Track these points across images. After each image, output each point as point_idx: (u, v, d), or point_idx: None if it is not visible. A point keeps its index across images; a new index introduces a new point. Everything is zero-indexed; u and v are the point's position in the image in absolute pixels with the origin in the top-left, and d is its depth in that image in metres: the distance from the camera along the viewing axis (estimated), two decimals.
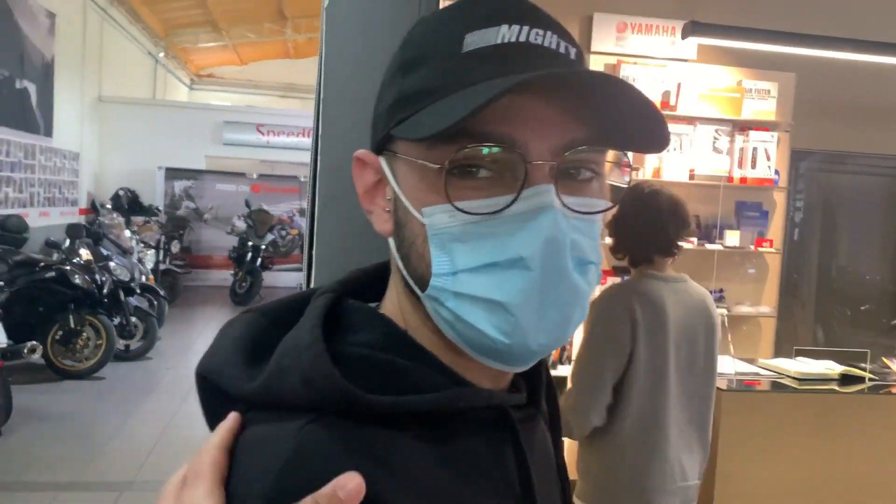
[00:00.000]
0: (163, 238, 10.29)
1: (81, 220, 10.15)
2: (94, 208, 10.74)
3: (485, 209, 0.57)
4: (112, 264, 7.25)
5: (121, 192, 11.19)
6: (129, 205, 11.00)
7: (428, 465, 0.59)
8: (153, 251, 9.70)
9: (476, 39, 0.58)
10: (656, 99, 4.19)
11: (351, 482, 0.51)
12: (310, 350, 0.59)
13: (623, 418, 2.18)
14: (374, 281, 0.72)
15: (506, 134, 0.57)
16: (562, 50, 0.60)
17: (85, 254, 6.94)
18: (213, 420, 0.63)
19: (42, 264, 6.31)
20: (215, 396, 0.64)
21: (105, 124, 12.00)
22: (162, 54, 15.00)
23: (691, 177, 4.35)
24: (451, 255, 0.59)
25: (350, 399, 0.57)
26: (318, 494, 0.51)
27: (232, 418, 0.60)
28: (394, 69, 0.63)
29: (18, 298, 6.15)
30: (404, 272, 0.63)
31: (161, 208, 11.91)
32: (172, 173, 12.38)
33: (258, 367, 0.62)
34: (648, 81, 4.21)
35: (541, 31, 0.59)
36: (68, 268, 6.38)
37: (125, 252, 8.13)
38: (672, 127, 3.82)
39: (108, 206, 10.17)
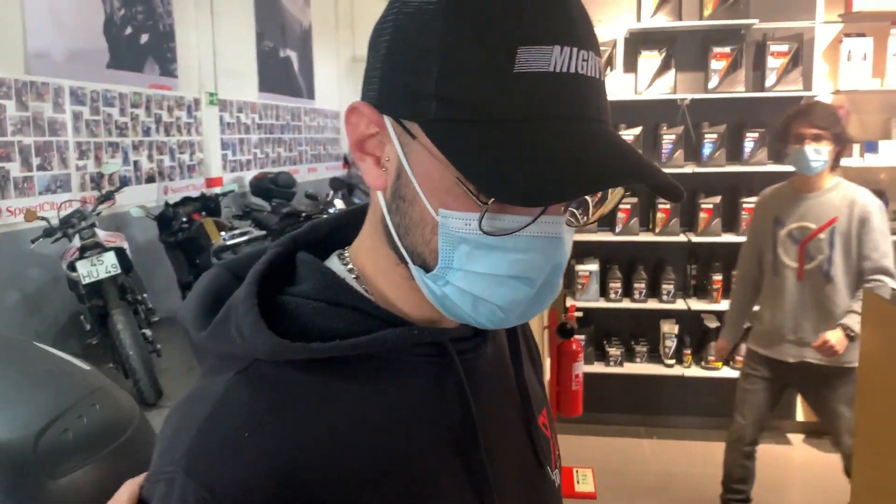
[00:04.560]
0: None
1: (343, 173, 10.83)
2: (346, 161, 11.42)
3: (501, 230, 0.58)
4: None
5: None
6: None
7: (358, 409, 0.62)
8: None
9: (528, 58, 0.55)
10: None
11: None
12: (245, 302, 0.63)
13: None
14: (335, 229, 0.75)
15: None
16: (597, 75, 0.58)
17: (339, 203, 7.54)
18: (199, 359, 0.69)
19: (304, 214, 6.72)
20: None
21: (360, 83, 12.43)
22: None
23: None
24: (458, 254, 0.59)
25: (275, 347, 0.60)
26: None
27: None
28: (431, 35, 0.57)
29: None
30: (396, 239, 0.63)
31: None
32: None
33: (210, 317, 0.66)
34: None
35: (585, 55, 0.57)
36: (325, 216, 6.85)
37: None
38: None
39: None
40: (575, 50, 0.56)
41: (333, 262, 0.70)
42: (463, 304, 0.61)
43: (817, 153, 2.82)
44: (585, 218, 0.66)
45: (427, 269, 0.61)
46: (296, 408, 0.60)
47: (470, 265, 0.59)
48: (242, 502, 0.55)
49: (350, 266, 0.69)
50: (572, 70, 0.56)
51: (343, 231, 0.74)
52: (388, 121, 0.61)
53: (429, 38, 0.57)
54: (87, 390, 1.67)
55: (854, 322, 2.82)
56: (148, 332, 4.93)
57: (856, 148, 4.03)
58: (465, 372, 0.67)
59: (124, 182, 6.31)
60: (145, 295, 5.26)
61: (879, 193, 4.16)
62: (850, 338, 2.83)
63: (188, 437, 0.58)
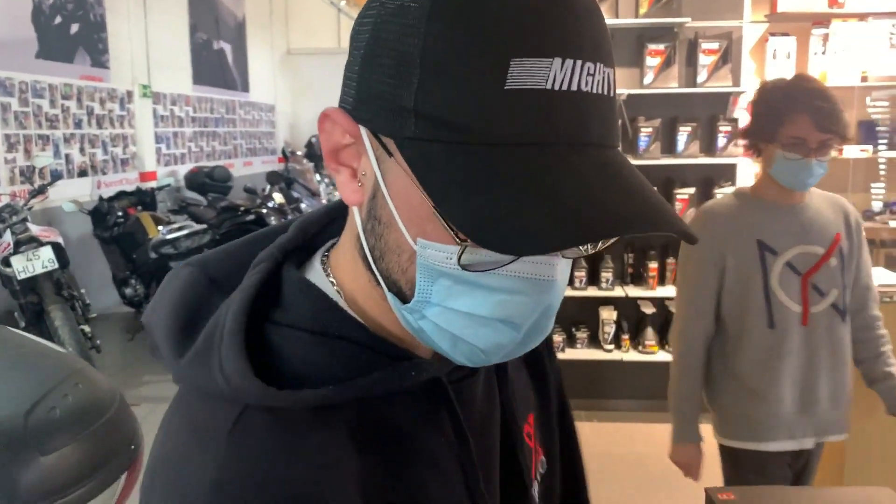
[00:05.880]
0: None
1: (280, 167, 10.56)
2: (284, 155, 11.20)
3: (483, 264, 0.51)
4: (303, 206, 7.89)
5: (313, 140, 11.53)
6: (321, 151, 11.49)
7: (362, 452, 0.57)
8: None
9: (523, 73, 0.48)
10: None
11: None
12: (231, 340, 0.56)
13: None
14: (324, 227, 0.68)
15: None
16: (605, 90, 0.51)
17: (278, 197, 7.52)
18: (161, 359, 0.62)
19: (242, 209, 6.63)
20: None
21: (295, 76, 12.47)
22: (344, 3, 15.06)
23: (863, 79, 4.13)
24: (437, 289, 0.53)
25: (263, 395, 0.54)
26: None
27: None
28: (412, 39, 0.49)
29: (224, 241, 6.37)
30: (371, 262, 0.57)
31: None
32: None
33: (189, 338, 0.59)
34: None
35: (592, 68, 0.50)
36: (265, 211, 6.77)
37: (313, 194, 8.76)
38: (839, 26, 4.10)
39: (300, 153, 10.60)
40: (579, 63, 0.49)
41: (317, 274, 0.64)
42: (441, 342, 0.56)
43: (821, 167, 1.92)
44: (588, 249, 0.56)
45: (403, 299, 0.56)
46: (298, 453, 0.54)
47: (450, 302, 0.53)
48: None
49: (332, 280, 0.63)
50: (574, 87, 0.49)
51: (332, 227, 0.68)
52: (364, 132, 0.54)
53: (410, 42, 0.50)
54: (69, 370, 1.70)
55: None
56: (86, 328, 4.83)
57: None
58: (459, 400, 0.63)
59: (56, 176, 6.15)
60: (83, 291, 5.15)
61: None
62: None
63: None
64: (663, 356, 4.39)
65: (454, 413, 0.62)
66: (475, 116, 0.48)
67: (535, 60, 0.48)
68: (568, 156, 0.49)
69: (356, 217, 0.58)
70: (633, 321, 4.54)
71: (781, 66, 4.22)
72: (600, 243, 0.55)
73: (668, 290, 4.37)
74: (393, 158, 0.52)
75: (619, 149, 0.54)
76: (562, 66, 0.48)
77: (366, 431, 0.58)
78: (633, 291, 4.40)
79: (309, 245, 0.67)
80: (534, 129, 0.48)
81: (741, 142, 2.12)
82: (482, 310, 0.53)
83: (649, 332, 4.42)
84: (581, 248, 0.55)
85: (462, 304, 0.53)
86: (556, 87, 0.48)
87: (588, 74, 0.49)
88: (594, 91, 0.50)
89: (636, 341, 4.52)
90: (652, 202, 0.50)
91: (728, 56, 4.24)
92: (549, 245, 0.47)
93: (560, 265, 0.54)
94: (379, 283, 0.57)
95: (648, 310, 4.43)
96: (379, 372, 0.57)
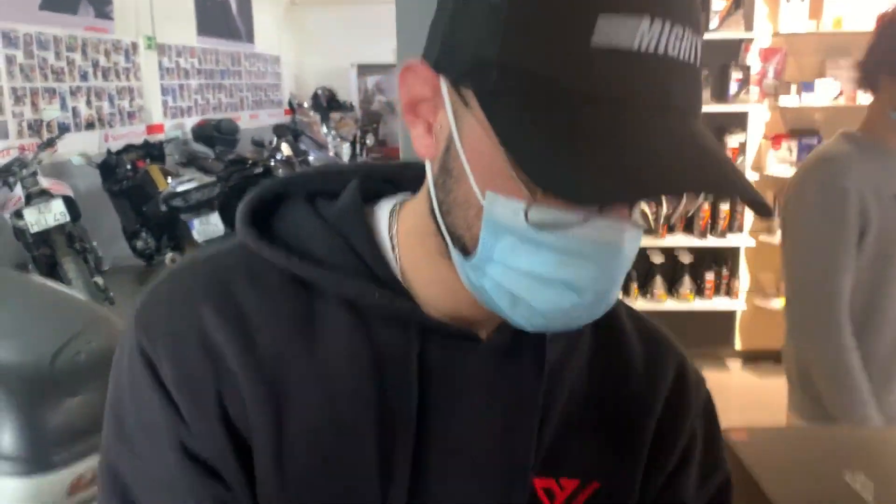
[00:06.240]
0: (358, 132, 10.66)
1: (287, 119, 10.53)
2: (290, 107, 11.13)
3: (552, 226, 0.51)
4: (311, 158, 7.94)
5: (319, 91, 11.48)
6: (327, 102, 11.34)
7: (302, 334, 0.60)
8: (349, 144, 10.17)
9: (609, 32, 0.47)
10: None
11: None
12: (259, 191, 0.66)
13: None
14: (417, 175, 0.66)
15: None
16: (691, 59, 0.50)
17: (286, 150, 7.54)
18: None
19: (250, 162, 6.66)
20: None
21: (300, 27, 12.27)
22: None
23: None
24: (501, 246, 0.53)
25: (243, 236, 0.63)
26: None
27: None
28: None
29: (233, 193, 6.36)
30: (438, 216, 0.58)
31: (355, 104, 12.18)
32: (364, 69, 12.44)
33: None
34: None
35: (680, 32, 0.48)
36: (273, 163, 6.80)
37: (320, 146, 8.79)
38: None
39: (306, 105, 10.57)
40: (668, 24, 0.48)
41: (382, 206, 0.66)
42: (500, 301, 0.55)
43: None
44: (656, 215, 0.57)
45: (466, 254, 0.56)
46: (247, 299, 0.60)
47: (512, 260, 0.53)
48: (172, 354, 0.58)
49: (393, 220, 0.65)
50: (661, 51, 0.48)
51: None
52: (443, 84, 0.55)
53: None
54: (91, 317, 1.75)
55: None
56: (99, 280, 4.88)
57: (793, 88, 4.21)
58: (433, 367, 0.61)
59: (64, 129, 6.14)
60: (95, 243, 5.19)
61: (813, 133, 4.37)
62: None
63: (152, 288, 0.62)
64: (672, 304, 4.43)
65: (404, 367, 0.60)
66: (558, 71, 0.48)
67: (624, 17, 0.47)
68: (648, 116, 0.48)
69: (428, 172, 0.59)
70: (642, 270, 4.56)
71: (795, 11, 4.16)
72: (679, 209, 0.55)
73: (677, 240, 4.38)
74: (470, 111, 0.53)
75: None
76: (650, 27, 0.47)
77: (322, 324, 0.61)
78: (643, 241, 4.39)
79: (401, 184, 0.70)
80: (616, 88, 0.48)
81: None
82: (545, 270, 0.52)
83: (658, 280, 4.44)
84: (650, 217, 0.57)
85: (525, 262, 0.52)
86: (643, 49, 0.47)
87: (677, 38, 0.48)
88: (681, 57, 0.49)
89: (645, 290, 4.54)
90: (730, 169, 0.49)
91: (741, 1, 4.17)
92: (622, 195, 0.48)
93: (629, 233, 0.52)
94: (443, 237, 0.58)
95: (657, 259, 4.45)
96: (344, 277, 0.60)
